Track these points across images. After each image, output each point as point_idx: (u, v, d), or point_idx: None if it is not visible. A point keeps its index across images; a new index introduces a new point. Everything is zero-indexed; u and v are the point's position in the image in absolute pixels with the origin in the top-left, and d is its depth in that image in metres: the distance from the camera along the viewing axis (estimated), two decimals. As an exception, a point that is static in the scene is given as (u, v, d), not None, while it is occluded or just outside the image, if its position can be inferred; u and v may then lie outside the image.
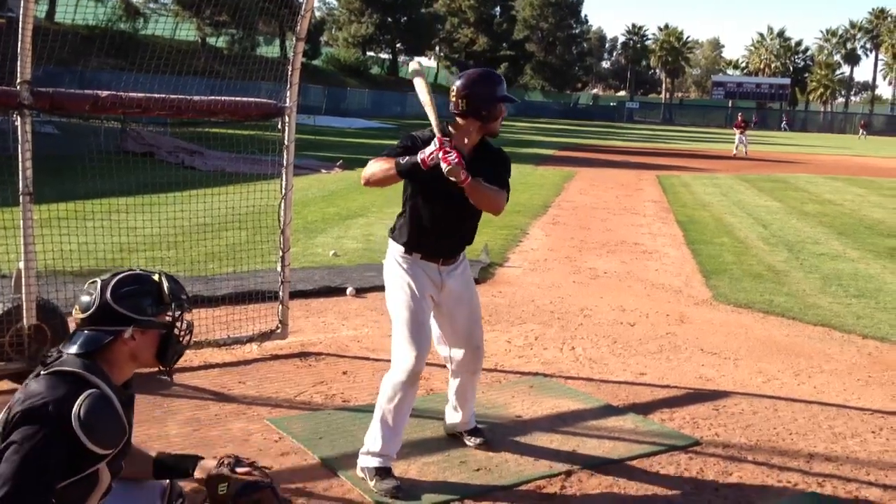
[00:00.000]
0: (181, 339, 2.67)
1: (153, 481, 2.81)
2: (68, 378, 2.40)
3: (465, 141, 3.89)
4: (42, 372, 2.45)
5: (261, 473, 2.85)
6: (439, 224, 3.92)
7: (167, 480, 2.83)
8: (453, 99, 3.89)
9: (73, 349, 2.48)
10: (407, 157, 3.69)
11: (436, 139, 3.63)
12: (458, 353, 4.17)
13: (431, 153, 3.61)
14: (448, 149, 3.59)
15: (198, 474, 2.80)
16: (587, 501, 3.85)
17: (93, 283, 2.57)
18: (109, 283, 2.54)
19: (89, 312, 2.51)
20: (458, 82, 3.93)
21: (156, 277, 2.63)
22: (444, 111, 3.81)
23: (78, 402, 2.33)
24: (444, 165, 3.58)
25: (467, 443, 4.39)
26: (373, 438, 3.90)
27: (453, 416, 4.40)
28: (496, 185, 3.84)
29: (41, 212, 5.30)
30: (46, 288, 5.34)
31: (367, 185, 3.86)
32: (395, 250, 4.01)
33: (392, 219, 4.13)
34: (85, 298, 2.54)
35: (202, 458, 2.86)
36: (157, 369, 2.72)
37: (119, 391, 2.51)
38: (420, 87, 3.92)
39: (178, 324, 2.65)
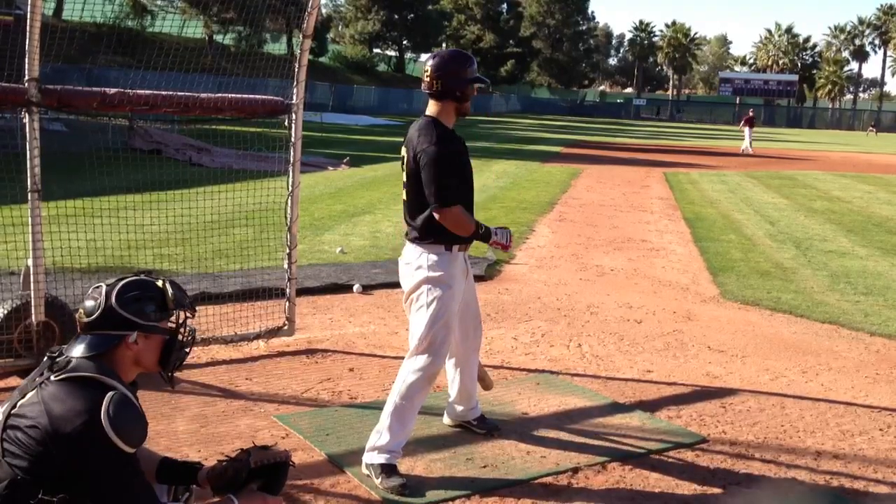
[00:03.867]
0: (184, 345, 2.70)
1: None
2: (88, 384, 2.41)
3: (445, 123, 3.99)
4: (53, 378, 2.43)
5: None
6: (470, 206, 4.04)
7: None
8: (427, 79, 3.93)
9: (79, 353, 2.49)
10: (484, 231, 3.98)
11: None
12: (466, 333, 4.26)
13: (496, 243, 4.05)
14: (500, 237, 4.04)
15: (202, 480, 2.80)
16: (594, 498, 3.84)
17: (97, 287, 2.58)
18: (114, 288, 2.55)
19: (94, 317, 2.52)
20: (431, 62, 3.95)
21: (160, 283, 2.64)
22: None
23: (104, 406, 2.35)
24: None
25: (479, 431, 4.42)
26: (379, 434, 3.91)
27: (460, 405, 4.45)
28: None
29: (49, 209, 5.31)
30: (55, 285, 5.36)
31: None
32: (433, 251, 3.93)
33: (398, 215, 4.13)
34: (89, 303, 2.54)
35: (201, 465, 2.88)
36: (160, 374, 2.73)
37: (131, 389, 2.55)
38: None
39: (182, 330, 2.67)
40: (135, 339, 2.54)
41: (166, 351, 2.64)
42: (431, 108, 3.97)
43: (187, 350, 2.72)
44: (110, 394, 2.39)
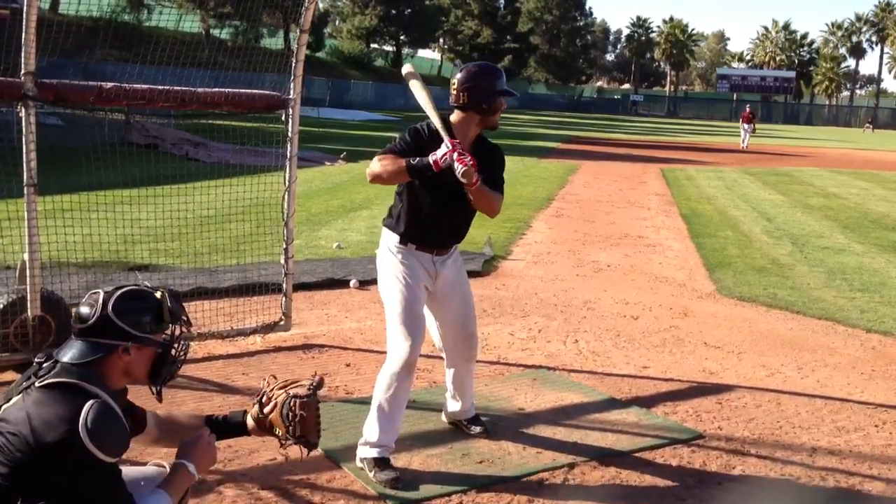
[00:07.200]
0: (176, 359, 2.66)
1: (153, 470, 2.80)
2: (71, 391, 2.38)
3: (466, 134, 3.95)
4: (37, 383, 2.41)
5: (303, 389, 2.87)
6: (437, 216, 3.96)
7: (166, 469, 2.83)
8: (454, 92, 3.94)
9: (68, 358, 2.46)
10: (418, 158, 3.71)
11: (447, 141, 3.68)
12: (452, 342, 4.22)
13: (444, 155, 3.65)
14: (461, 151, 3.65)
15: (250, 423, 2.84)
16: (590, 494, 3.85)
17: (94, 294, 2.55)
18: (112, 297, 2.52)
19: (88, 324, 2.49)
20: (458, 75, 3.97)
21: (158, 295, 2.60)
22: (444, 103, 3.85)
23: (83, 415, 2.31)
24: (458, 167, 3.62)
25: (468, 431, 4.42)
26: (370, 429, 3.92)
27: (453, 405, 4.44)
28: (496, 189, 3.93)
29: (45, 203, 5.30)
30: (50, 279, 5.35)
31: (373, 183, 3.88)
32: (389, 239, 4.04)
33: None
34: (85, 310, 2.51)
35: (245, 412, 2.89)
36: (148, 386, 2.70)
37: (117, 397, 2.50)
38: (417, 89, 3.98)
39: (176, 344, 2.64)
40: (127, 349, 2.51)
41: (157, 364, 2.60)
42: (452, 115, 3.98)
43: (179, 365, 2.69)
44: (90, 403, 2.35)
